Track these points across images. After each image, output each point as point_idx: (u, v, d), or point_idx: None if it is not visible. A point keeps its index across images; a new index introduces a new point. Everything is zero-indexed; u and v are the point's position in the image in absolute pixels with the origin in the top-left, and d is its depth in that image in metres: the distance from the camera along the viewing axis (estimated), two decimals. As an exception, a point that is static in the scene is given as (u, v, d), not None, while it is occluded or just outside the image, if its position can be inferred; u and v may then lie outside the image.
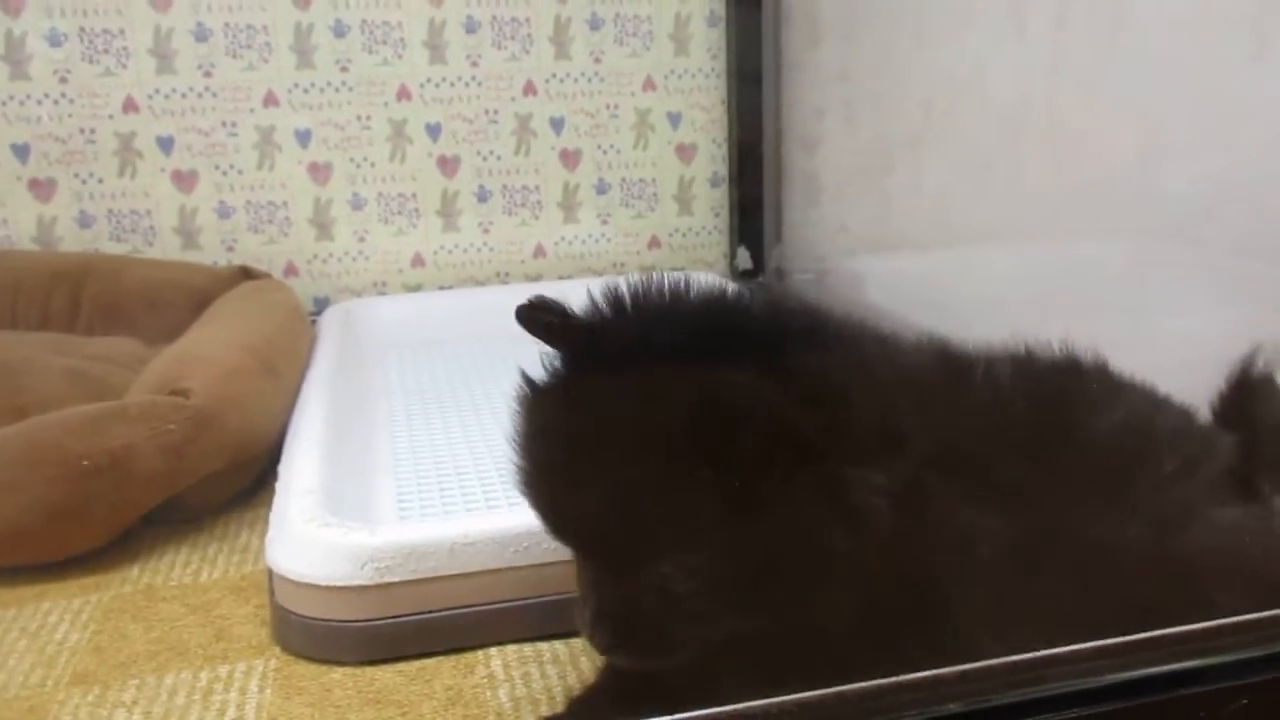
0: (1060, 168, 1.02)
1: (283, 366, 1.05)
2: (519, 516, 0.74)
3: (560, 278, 1.55)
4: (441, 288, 1.51)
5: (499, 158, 1.51)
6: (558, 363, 0.57)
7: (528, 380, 0.58)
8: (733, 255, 1.60)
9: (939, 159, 1.21)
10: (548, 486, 0.55)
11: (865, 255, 1.40)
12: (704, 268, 1.60)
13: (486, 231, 1.52)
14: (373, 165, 1.46)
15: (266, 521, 0.95)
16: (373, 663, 0.74)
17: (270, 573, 0.78)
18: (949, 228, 1.22)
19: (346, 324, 1.31)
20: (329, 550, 0.73)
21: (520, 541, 0.74)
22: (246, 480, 1.00)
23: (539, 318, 0.58)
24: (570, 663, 0.73)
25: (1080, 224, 0.98)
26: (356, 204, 1.47)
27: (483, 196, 1.51)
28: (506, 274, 1.54)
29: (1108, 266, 0.95)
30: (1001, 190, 1.11)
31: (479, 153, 1.50)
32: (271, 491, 0.91)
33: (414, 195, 1.49)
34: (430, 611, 0.74)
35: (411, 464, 0.92)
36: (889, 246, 1.35)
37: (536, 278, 1.55)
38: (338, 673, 0.73)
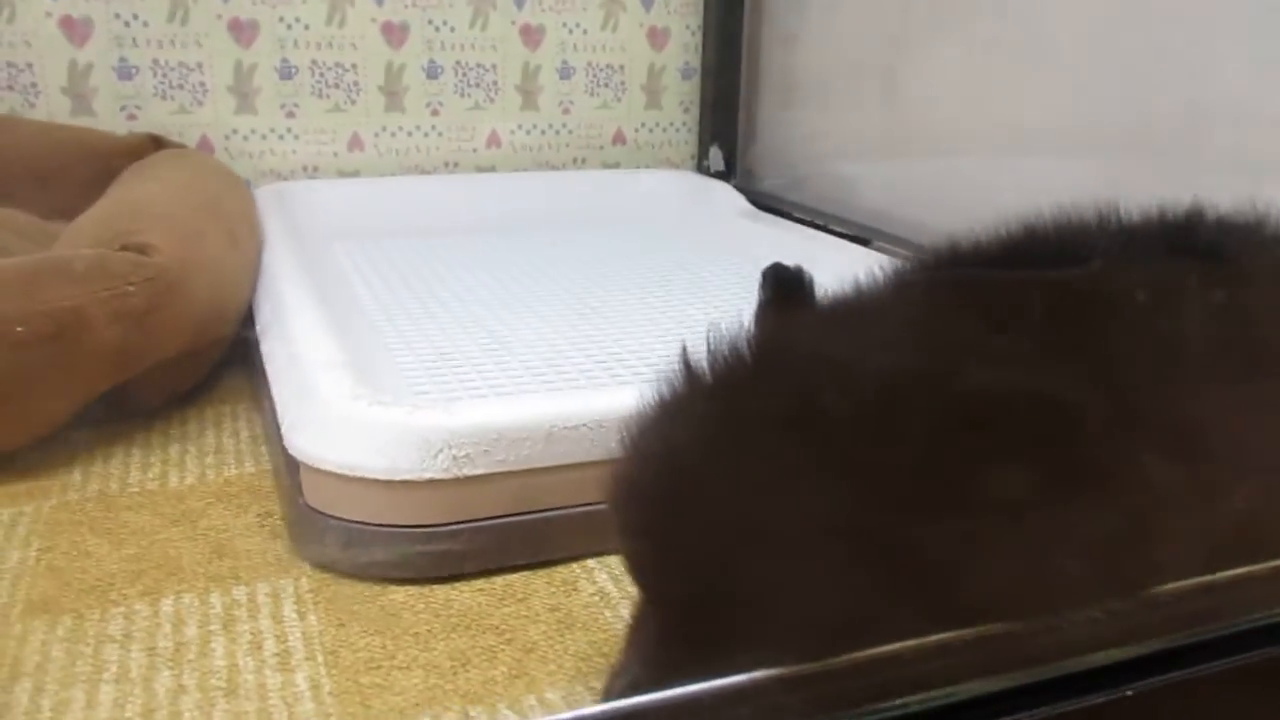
0: (1066, 62, 0.93)
1: (242, 237, 0.85)
2: (628, 395, 0.59)
3: (516, 170, 1.37)
4: (382, 175, 1.31)
5: (453, 29, 1.31)
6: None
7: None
8: (702, 155, 1.46)
9: (929, 58, 1.11)
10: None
11: (854, 160, 1.28)
12: (670, 168, 1.45)
13: (435, 114, 1.33)
14: (306, 27, 1.25)
15: (234, 419, 0.77)
16: (440, 580, 0.57)
17: (291, 469, 0.60)
18: (943, 131, 1.12)
19: (282, 208, 1.11)
20: (390, 435, 0.56)
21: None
22: (203, 371, 0.80)
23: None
24: (688, 576, 0.59)
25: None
26: (285, 72, 1.25)
27: (432, 73, 1.32)
28: (455, 164, 1.36)
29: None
30: (998, 90, 1.02)
31: (430, 21, 1.30)
32: (227, 387, 0.73)
33: (353, 66, 1.28)
34: (517, 514, 0.58)
35: (431, 348, 0.74)
36: (881, 150, 1.24)
37: (489, 169, 1.37)
38: (399, 593, 0.56)
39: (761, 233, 1.14)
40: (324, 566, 0.58)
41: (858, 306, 0.47)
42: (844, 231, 1.15)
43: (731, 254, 1.06)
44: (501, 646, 0.52)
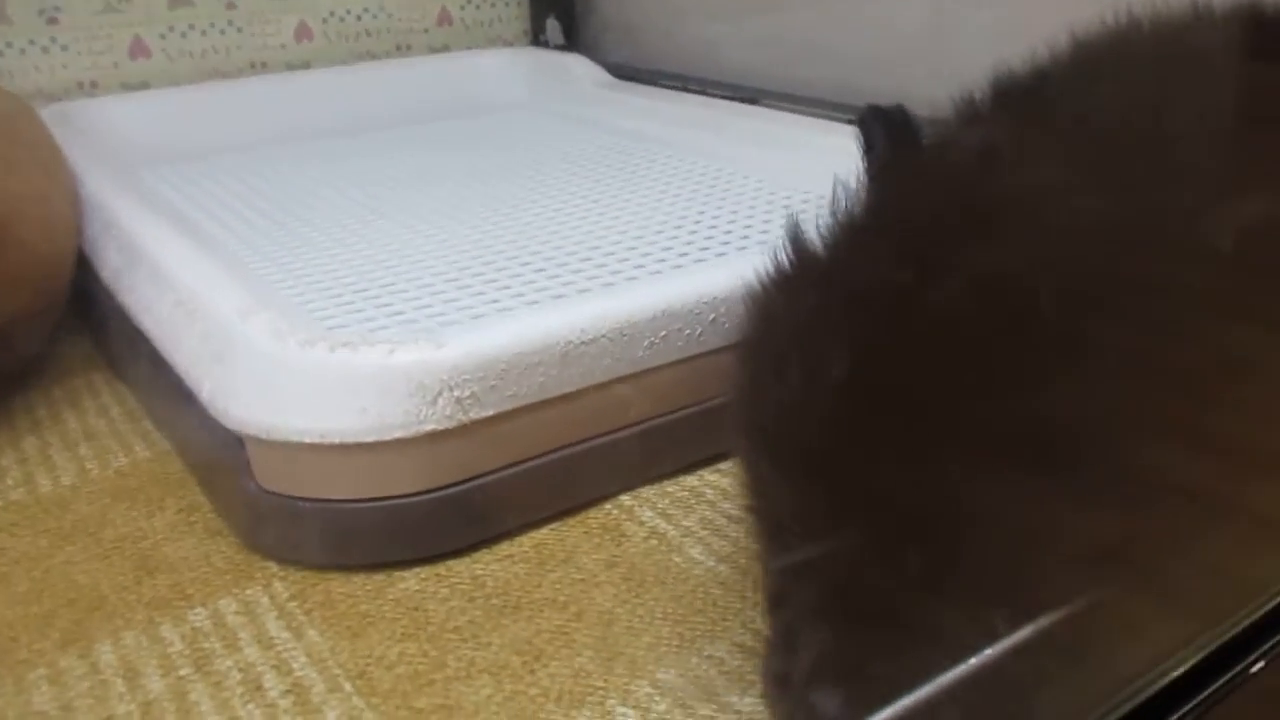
0: None
1: (55, 168, 0.67)
2: (647, 296, 0.49)
3: (340, 64, 1.19)
4: (176, 84, 1.11)
5: (236, -100, 1.11)
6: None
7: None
8: (538, 30, 1.32)
9: None
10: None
11: (716, 19, 1.18)
12: (504, 46, 1.30)
13: (231, 7, 1.13)
14: (53, -92, 1.01)
15: (94, 394, 0.61)
16: (456, 554, 0.46)
17: (227, 446, 0.46)
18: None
19: (75, 134, 0.90)
20: (371, 383, 0.43)
21: (657, 329, 0.48)
22: (44, 337, 0.63)
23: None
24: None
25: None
26: (35, -32, 1.02)
27: (219, -44, 1.11)
28: (262, 64, 1.16)
29: None
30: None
31: (208, -107, 1.09)
32: (68, 355, 0.58)
33: (121, -46, 1.06)
34: (536, 457, 0.47)
35: (333, 280, 0.60)
36: (745, 5, 1.14)
37: (303, 65, 1.18)
38: (410, 578, 0.44)
39: (641, 104, 1.03)
40: (297, 562, 0.45)
41: (979, 147, 0.38)
42: (727, 94, 1.06)
43: (618, 131, 0.95)
44: (573, 625, 0.41)
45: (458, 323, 0.51)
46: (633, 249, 0.60)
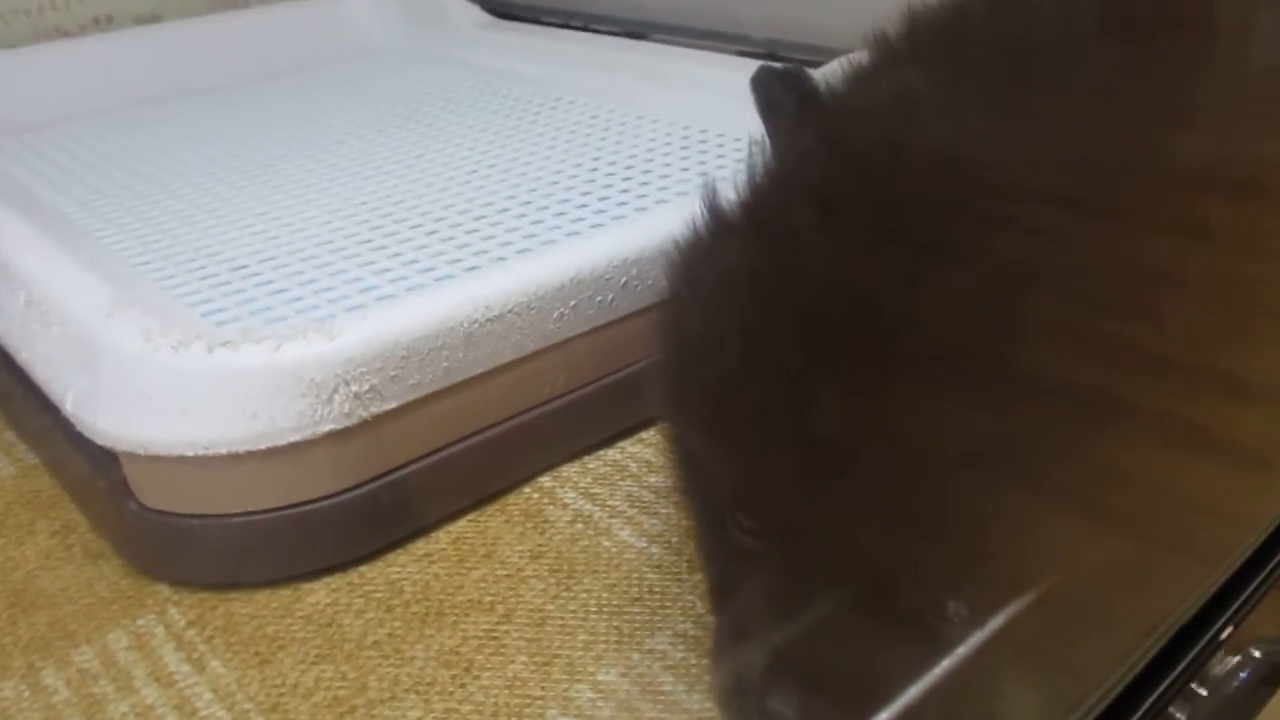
0: None
1: None
2: (553, 262, 0.45)
3: (194, 15, 1.11)
4: (12, 47, 1.01)
5: None
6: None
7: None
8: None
9: None
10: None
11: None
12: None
13: (64, -45, 1.03)
14: None
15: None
16: (367, 559, 0.42)
17: (102, 462, 0.42)
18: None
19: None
20: (258, 384, 0.39)
21: (566, 299, 0.45)
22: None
23: None
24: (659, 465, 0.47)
25: None
26: None
27: (46, -100, 1.01)
28: (109, 19, 1.07)
29: None
30: None
31: None
32: None
33: (-69, -97, 0.95)
34: (446, 448, 0.44)
35: (212, 260, 0.54)
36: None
37: (153, 19, 1.10)
38: (320, 590, 0.41)
39: (523, 44, 0.98)
40: (192, 584, 0.42)
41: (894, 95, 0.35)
42: (613, 30, 1.01)
43: (500, 74, 0.90)
44: (502, 628, 0.38)
45: (348, 298, 0.46)
46: (530, 206, 0.56)
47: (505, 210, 0.56)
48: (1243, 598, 0.33)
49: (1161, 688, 0.29)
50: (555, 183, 0.60)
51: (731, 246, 0.33)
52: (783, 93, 0.36)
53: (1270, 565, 0.33)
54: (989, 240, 0.31)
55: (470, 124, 0.74)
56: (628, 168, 0.62)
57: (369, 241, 0.54)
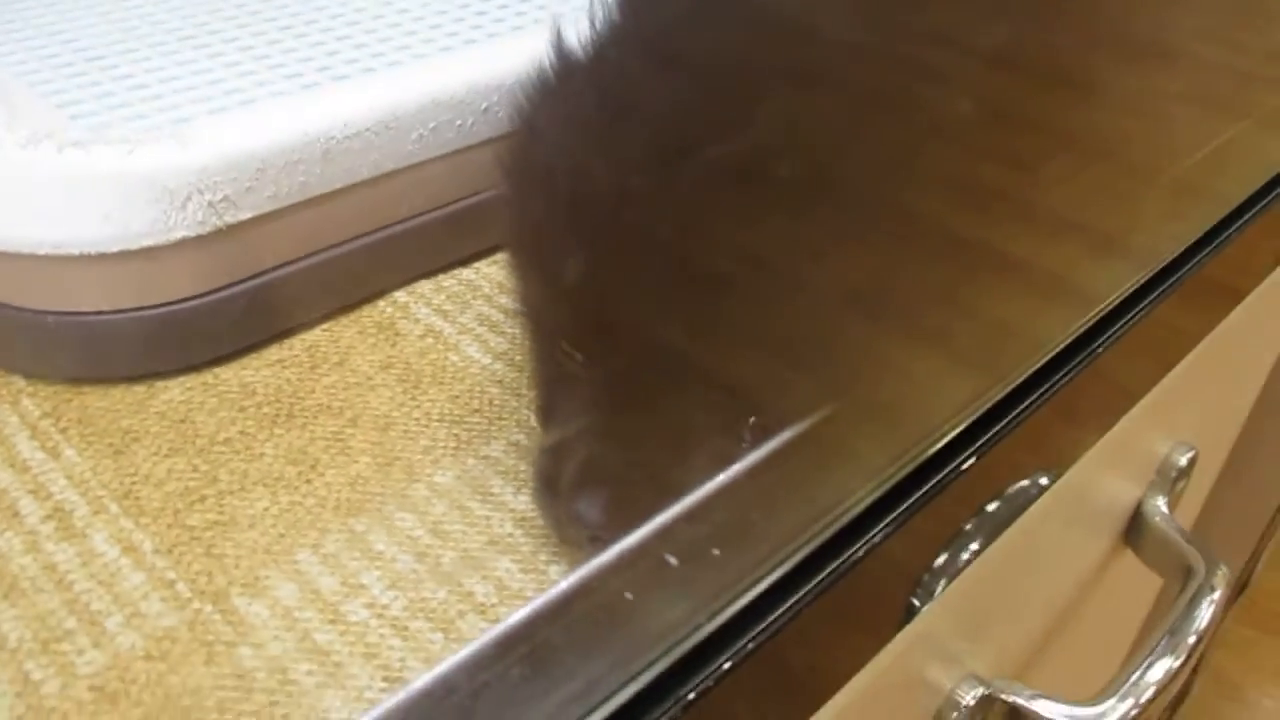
0: None
1: None
2: (413, 82, 0.46)
3: None
4: None
5: None
6: None
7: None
8: None
9: None
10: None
11: None
12: None
13: None
14: None
15: None
16: (223, 360, 0.44)
17: (-48, 255, 0.42)
18: None
19: None
20: (112, 189, 0.39)
21: (425, 120, 0.46)
22: None
23: None
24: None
25: None
26: None
27: None
28: None
29: None
30: None
31: None
32: None
33: None
34: (303, 258, 0.45)
35: (60, 46, 0.53)
36: None
37: None
38: (174, 388, 0.43)
39: None
40: (47, 377, 0.43)
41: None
42: None
43: None
44: (348, 431, 0.41)
45: (210, 100, 0.46)
46: (405, 16, 0.56)
47: (379, 17, 0.56)
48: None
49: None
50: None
51: (572, 96, 0.35)
52: None
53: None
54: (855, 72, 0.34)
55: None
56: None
57: (234, 40, 0.53)
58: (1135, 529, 0.59)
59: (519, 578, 0.36)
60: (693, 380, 0.33)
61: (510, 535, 0.37)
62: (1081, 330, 0.41)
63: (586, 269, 0.33)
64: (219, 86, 0.49)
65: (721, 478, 0.31)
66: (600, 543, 0.33)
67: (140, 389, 0.43)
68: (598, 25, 0.35)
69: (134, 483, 0.39)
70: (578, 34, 0.36)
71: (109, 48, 0.52)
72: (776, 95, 0.32)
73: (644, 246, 0.33)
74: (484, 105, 0.47)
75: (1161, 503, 0.58)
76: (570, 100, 0.35)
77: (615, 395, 0.34)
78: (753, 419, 0.32)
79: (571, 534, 0.34)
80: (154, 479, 0.39)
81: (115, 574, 0.35)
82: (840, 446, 0.34)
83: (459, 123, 0.47)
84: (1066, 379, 0.40)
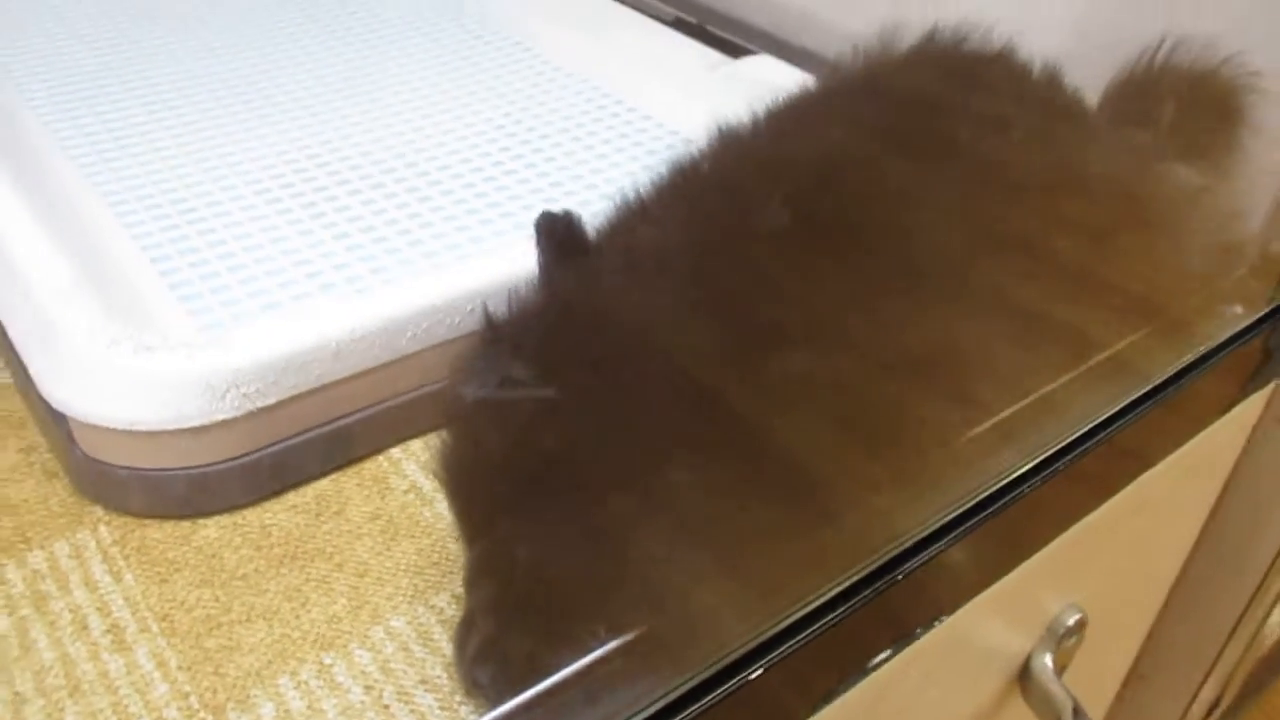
0: None
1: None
2: (410, 295, 0.59)
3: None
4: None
5: None
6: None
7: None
8: None
9: None
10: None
11: None
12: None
13: None
14: None
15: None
16: (251, 504, 0.57)
17: (56, 415, 0.56)
18: None
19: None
20: (168, 385, 0.53)
21: (418, 323, 0.58)
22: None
23: None
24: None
25: None
26: None
27: None
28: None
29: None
30: None
31: None
32: None
33: None
34: (316, 428, 0.58)
35: (137, 242, 0.67)
36: None
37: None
38: (210, 526, 0.56)
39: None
40: (119, 510, 0.57)
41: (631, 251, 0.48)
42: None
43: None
44: (334, 574, 0.54)
45: (264, 309, 0.59)
46: (405, 232, 0.69)
47: (406, 232, 0.69)
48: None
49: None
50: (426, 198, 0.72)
51: (501, 358, 0.47)
52: (544, 241, 0.49)
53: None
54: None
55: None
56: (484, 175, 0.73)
57: (282, 240, 0.67)
58: (1025, 677, 0.68)
59: (438, 713, 0.48)
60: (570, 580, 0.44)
61: (438, 676, 0.49)
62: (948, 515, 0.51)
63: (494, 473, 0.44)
64: (252, 287, 0.62)
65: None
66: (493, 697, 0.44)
67: (186, 524, 0.56)
68: (513, 305, 0.47)
69: (171, 608, 0.52)
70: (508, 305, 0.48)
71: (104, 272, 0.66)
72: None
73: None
74: (470, 308, 0.60)
75: (1048, 659, 0.67)
76: (494, 360, 0.46)
77: (517, 591, 0.45)
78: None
79: (472, 688, 0.46)
80: (186, 605, 0.52)
81: (149, 684, 0.48)
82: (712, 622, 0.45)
83: (448, 322, 0.59)
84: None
